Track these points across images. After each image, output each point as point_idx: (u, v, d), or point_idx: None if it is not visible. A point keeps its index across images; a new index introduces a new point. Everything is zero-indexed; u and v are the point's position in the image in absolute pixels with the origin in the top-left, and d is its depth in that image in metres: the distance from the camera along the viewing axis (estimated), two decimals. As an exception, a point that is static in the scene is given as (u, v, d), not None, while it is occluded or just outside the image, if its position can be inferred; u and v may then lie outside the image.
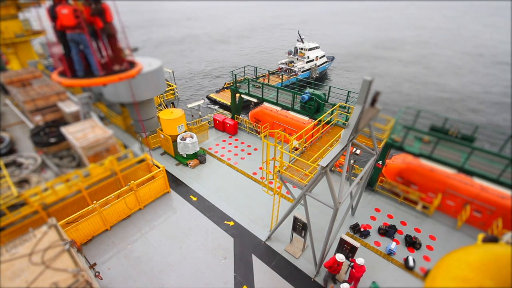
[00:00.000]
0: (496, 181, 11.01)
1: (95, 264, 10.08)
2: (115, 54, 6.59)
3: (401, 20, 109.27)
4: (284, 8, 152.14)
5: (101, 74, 6.39)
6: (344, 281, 9.28)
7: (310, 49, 43.08)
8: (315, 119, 15.06)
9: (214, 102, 36.50)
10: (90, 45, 6.02)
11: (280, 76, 39.60)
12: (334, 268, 9.19)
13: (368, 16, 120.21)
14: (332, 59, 48.99)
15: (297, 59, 42.89)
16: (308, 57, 42.63)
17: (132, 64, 7.14)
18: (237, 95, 19.86)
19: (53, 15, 5.70)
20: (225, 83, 39.83)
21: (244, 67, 21.33)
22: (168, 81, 21.43)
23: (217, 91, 38.47)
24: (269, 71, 28.91)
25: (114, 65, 6.52)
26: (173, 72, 24.06)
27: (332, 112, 14.42)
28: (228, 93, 36.73)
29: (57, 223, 7.76)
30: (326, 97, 16.00)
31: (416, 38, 78.67)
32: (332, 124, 11.86)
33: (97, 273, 9.79)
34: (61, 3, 5.66)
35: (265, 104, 18.86)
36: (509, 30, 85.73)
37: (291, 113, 17.52)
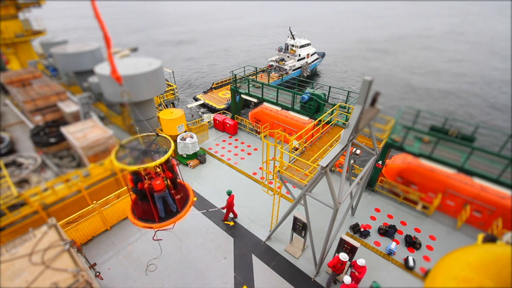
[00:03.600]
0: (496, 181, 11.02)
1: (95, 264, 10.09)
2: (179, 189, 8.55)
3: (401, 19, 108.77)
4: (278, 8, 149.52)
5: (179, 210, 8.32)
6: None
7: (302, 46, 41.07)
8: (315, 119, 15.06)
9: (202, 104, 32.74)
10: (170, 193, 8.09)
11: (269, 74, 37.37)
12: (338, 267, 9.21)
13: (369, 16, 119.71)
14: (322, 55, 47.19)
15: (288, 56, 40.86)
16: (299, 55, 40.71)
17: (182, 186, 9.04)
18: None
19: (136, 182, 7.62)
20: (213, 83, 36.02)
21: (244, 66, 21.33)
22: (168, 81, 21.42)
23: (204, 92, 34.68)
24: (256, 68, 27.07)
25: (179, 195, 8.45)
26: (173, 72, 24.04)
27: (332, 112, 14.43)
28: (216, 95, 33.59)
29: (57, 223, 7.77)
30: (326, 97, 16.00)
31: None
32: (332, 124, 11.86)
33: (97, 273, 9.81)
34: (153, 178, 7.64)
35: (265, 104, 18.86)
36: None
37: (291, 113, 17.52)
